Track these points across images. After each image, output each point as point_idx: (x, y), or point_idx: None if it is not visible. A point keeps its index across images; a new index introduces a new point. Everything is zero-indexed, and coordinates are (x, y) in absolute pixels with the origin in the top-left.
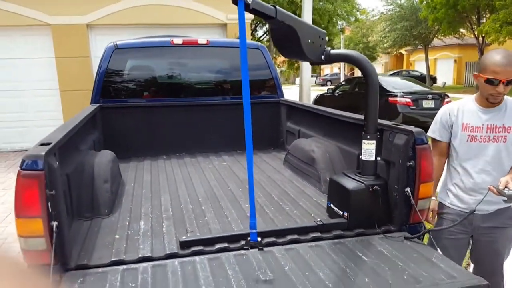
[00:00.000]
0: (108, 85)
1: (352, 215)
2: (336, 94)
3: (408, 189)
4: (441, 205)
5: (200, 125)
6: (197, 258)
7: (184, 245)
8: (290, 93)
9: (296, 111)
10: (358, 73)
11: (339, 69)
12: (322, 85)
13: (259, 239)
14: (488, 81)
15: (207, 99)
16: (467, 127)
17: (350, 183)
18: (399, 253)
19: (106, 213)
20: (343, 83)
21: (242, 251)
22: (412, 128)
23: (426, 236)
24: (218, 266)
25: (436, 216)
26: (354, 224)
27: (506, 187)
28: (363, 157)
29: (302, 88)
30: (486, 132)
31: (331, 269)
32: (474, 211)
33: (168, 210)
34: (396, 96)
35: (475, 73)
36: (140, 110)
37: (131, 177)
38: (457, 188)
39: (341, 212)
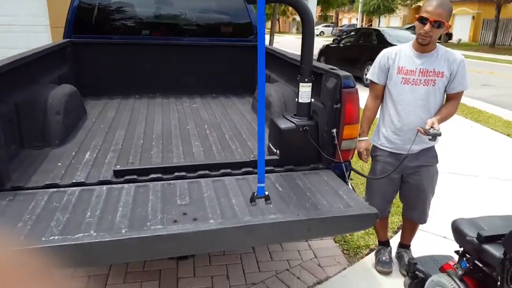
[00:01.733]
0: (81, 20)
1: (283, 153)
2: (341, 45)
3: (334, 130)
4: (374, 147)
5: (176, 66)
6: (126, 185)
7: (118, 173)
8: (284, 41)
9: (269, 57)
10: (376, 24)
11: (356, 20)
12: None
13: (266, 193)
14: (419, 20)
15: (185, 39)
16: (402, 70)
17: (283, 123)
18: (313, 186)
19: (56, 144)
20: (350, 33)
21: (172, 182)
22: (340, 71)
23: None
24: (143, 192)
25: (371, 158)
26: (284, 161)
27: (431, 127)
28: (299, 99)
29: None
30: (419, 76)
31: (246, 196)
32: (407, 156)
33: (118, 144)
34: None
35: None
36: (114, 47)
37: (95, 113)
38: (387, 129)
39: (275, 150)
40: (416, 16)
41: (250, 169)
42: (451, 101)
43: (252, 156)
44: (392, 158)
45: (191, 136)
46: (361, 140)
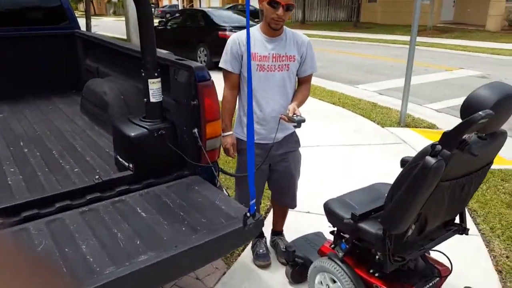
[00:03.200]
0: None
1: (138, 166)
2: (168, 27)
3: (195, 130)
4: (238, 140)
5: None
6: None
7: None
8: (104, 25)
9: (94, 46)
10: (197, 5)
11: (177, 0)
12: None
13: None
14: (270, 4)
15: None
16: (256, 56)
17: (132, 130)
18: (183, 201)
19: None
20: (176, 15)
21: None
22: (192, 63)
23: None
24: None
25: (237, 152)
26: (141, 176)
27: (294, 113)
28: (151, 99)
29: (128, 20)
30: (272, 61)
31: (99, 238)
32: (273, 145)
33: None
34: (225, 30)
35: None
36: None
37: None
38: None
39: (127, 164)
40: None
41: (98, 194)
42: (303, 84)
43: (97, 177)
44: (259, 149)
45: (2, 161)
46: (225, 135)
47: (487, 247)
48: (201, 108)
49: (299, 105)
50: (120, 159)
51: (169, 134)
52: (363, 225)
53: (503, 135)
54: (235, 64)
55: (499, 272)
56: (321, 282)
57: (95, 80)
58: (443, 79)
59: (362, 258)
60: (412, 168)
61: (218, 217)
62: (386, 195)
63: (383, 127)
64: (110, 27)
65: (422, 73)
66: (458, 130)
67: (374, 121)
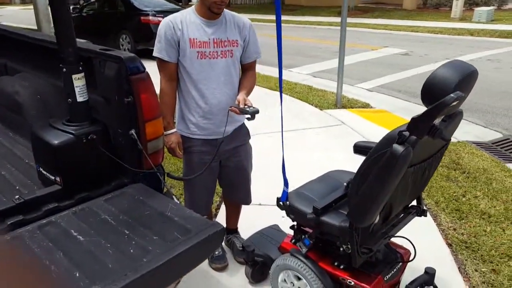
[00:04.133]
0: None
1: (67, 178)
2: (84, 14)
3: (133, 131)
4: (184, 138)
5: None
6: None
7: None
8: (9, 14)
9: None
10: None
11: None
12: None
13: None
14: None
15: None
16: (195, 42)
17: (55, 137)
18: (128, 216)
19: None
20: (91, 1)
21: None
22: (121, 53)
23: None
24: None
25: (183, 150)
26: (72, 190)
27: (245, 104)
28: (77, 98)
29: (37, 7)
30: (214, 47)
31: (24, 272)
32: (223, 140)
33: None
34: (148, 15)
35: None
36: None
37: None
38: (195, 115)
39: (53, 177)
40: None
41: (20, 217)
42: (248, 71)
43: (17, 196)
44: (207, 145)
45: None
46: (169, 133)
47: (435, 221)
48: (137, 105)
49: (247, 95)
50: (44, 172)
51: (101, 139)
52: (326, 219)
53: (461, 114)
54: (171, 51)
55: (449, 245)
56: (285, 280)
57: (3, 78)
58: (370, 58)
59: (325, 252)
60: (378, 157)
61: (171, 232)
62: (345, 184)
63: (321, 109)
64: (16, 16)
65: (350, 53)
66: (429, 116)
67: (312, 104)
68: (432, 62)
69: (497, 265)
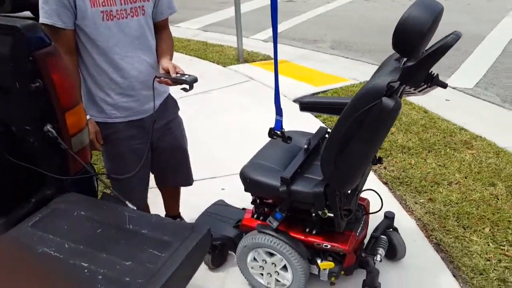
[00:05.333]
0: None
1: None
2: None
3: (49, 126)
4: (100, 125)
5: None
6: None
7: None
8: None
9: None
10: None
11: None
12: None
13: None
14: None
15: None
16: (97, 1)
17: None
18: (76, 242)
19: None
20: None
21: None
22: (16, 21)
23: None
24: None
25: (103, 140)
26: None
27: (178, 73)
28: None
29: None
30: (121, 4)
31: None
32: (155, 120)
33: None
34: None
35: None
36: None
37: None
38: (111, 94)
39: None
40: None
41: None
42: (163, 31)
43: None
44: (132, 128)
45: None
46: None
47: None
48: (50, 90)
49: (171, 60)
50: None
51: (3, 143)
52: (297, 188)
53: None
54: (65, 15)
55: (385, 183)
56: (254, 258)
57: None
58: (255, 8)
59: (294, 221)
60: (361, 115)
61: (146, 250)
62: (305, 146)
63: (225, 66)
64: None
65: (231, 4)
66: (427, 62)
67: (213, 62)
68: (316, 6)
69: (431, 193)
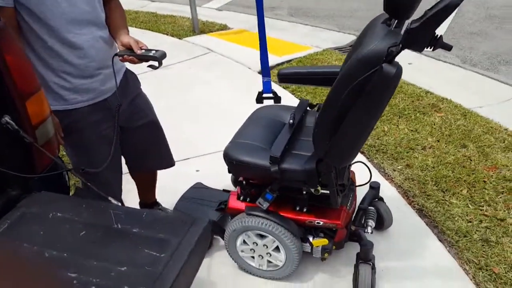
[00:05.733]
0: None
1: None
2: None
3: (7, 118)
4: (60, 114)
5: None
6: None
7: None
8: None
9: None
10: None
11: None
12: None
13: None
14: None
15: None
16: None
17: None
18: (57, 249)
19: None
20: None
21: None
22: None
23: None
24: None
25: (64, 132)
26: None
27: (142, 48)
28: None
29: None
30: None
31: None
32: (121, 104)
33: None
34: None
35: None
36: None
37: None
38: (68, 77)
39: None
40: None
41: None
42: (111, 2)
43: None
44: (98, 112)
45: None
46: None
47: None
48: (5, 75)
49: (128, 33)
50: None
51: None
52: (288, 166)
53: None
54: None
55: (362, 153)
56: (244, 241)
57: None
58: None
59: (282, 200)
60: (359, 85)
61: (141, 251)
62: (290, 121)
63: (180, 39)
64: None
65: None
66: (433, 23)
67: (167, 34)
68: None
69: (408, 159)
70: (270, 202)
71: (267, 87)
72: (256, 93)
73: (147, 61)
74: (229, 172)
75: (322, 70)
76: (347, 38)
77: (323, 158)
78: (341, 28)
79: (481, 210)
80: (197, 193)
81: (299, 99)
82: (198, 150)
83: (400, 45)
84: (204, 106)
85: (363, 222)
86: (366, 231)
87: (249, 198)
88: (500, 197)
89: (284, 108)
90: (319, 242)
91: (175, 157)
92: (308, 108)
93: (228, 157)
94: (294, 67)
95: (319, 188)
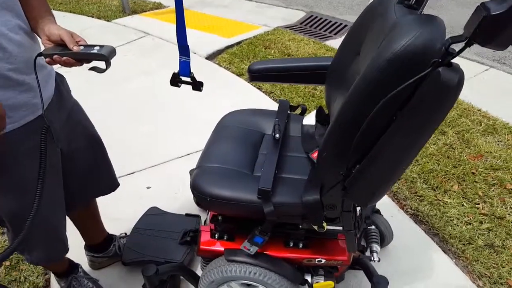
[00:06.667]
0: None
1: None
2: None
3: None
4: None
5: None
6: None
7: None
8: None
9: None
10: None
11: None
12: None
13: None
14: None
15: None
16: None
17: None
18: None
19: None
20: None
21: None
22: None
23: None
24: None
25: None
26: None
27: (79, 44)
28: None
29: None
30: None
31: None
32: (49, 126)
33: None
34: None
35: None
36: None
37: None
38: None
39: None
40: None
41: None
42: None
43: None
44: (34, 134)
45: None
46: None
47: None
48: None
49: (56, 22)
50: None
51: None
52: (281, 199)
53: None
54: None
55: None
56: None
57: None
58: None
59: (271, 234)
60: (402, 93)
61: None
62: (272, 133)
63: (109, 21)
64: None
65: None
66: None
67: (93, 16)
68: None
69: None
70: (260, 247)
71: (184, 69)
72: (203, 83)
73: (89, 61)
74: (201, 207)
75: (305, 64)
76: (297, 15)
77: (343, 196)
78: (288, 4)
79: (477, 208)
80: (153, 222)
81: (276, 100)
82: (146, 161)
83: (467, 40)
84: (145, 102)
85: (365, 245)
86: (372, 259)
87: (227, 236)
88: (493, 191)
89: (259, 113)
90: (323, 286)
91: (117, 173)
92: (289, 111)
93: (198, 190)
94: (268, 61)
95: (324, 224)
